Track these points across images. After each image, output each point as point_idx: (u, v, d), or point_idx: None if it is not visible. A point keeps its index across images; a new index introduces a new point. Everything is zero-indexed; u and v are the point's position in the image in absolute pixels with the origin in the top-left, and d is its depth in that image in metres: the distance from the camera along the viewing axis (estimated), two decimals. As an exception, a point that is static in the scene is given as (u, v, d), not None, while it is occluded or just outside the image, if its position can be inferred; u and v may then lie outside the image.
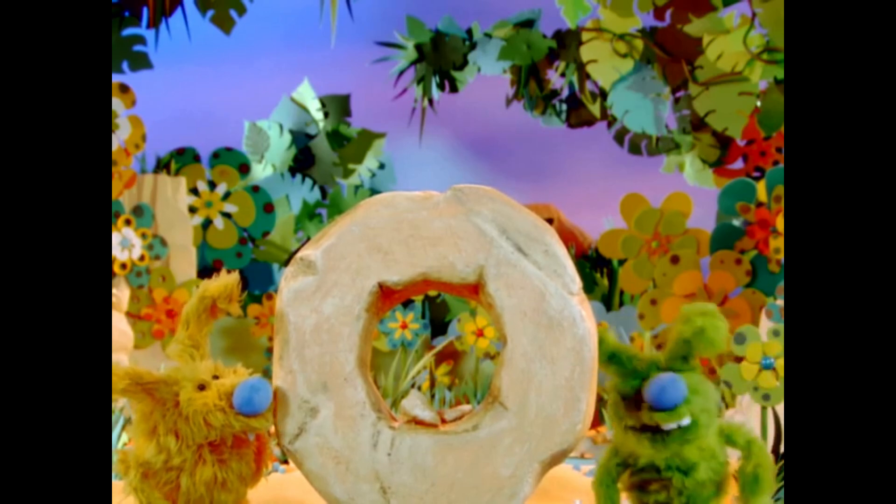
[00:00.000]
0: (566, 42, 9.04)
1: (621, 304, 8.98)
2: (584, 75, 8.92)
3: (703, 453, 3.55)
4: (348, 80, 10.62)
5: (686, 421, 3.47)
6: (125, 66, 8.33)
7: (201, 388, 3.49)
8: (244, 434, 3.52)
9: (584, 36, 8.45)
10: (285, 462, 5.43)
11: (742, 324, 6.91)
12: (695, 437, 3.51)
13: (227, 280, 3.60)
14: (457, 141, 11.38)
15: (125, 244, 7.57)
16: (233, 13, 8.58)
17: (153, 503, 3.51)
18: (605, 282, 9.25)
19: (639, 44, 8.41)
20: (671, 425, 3.46)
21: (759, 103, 8.34)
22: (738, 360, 4.73)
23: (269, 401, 3.45)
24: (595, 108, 9.15)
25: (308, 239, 7.56)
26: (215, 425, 3.46)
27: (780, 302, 5.87)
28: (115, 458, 3.62)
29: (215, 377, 3.53)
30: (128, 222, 7.60)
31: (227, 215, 8.53)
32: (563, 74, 9.17)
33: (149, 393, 3.49)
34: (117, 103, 7.41)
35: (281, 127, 10.18)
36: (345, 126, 10.37)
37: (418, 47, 9.52)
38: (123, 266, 7.56)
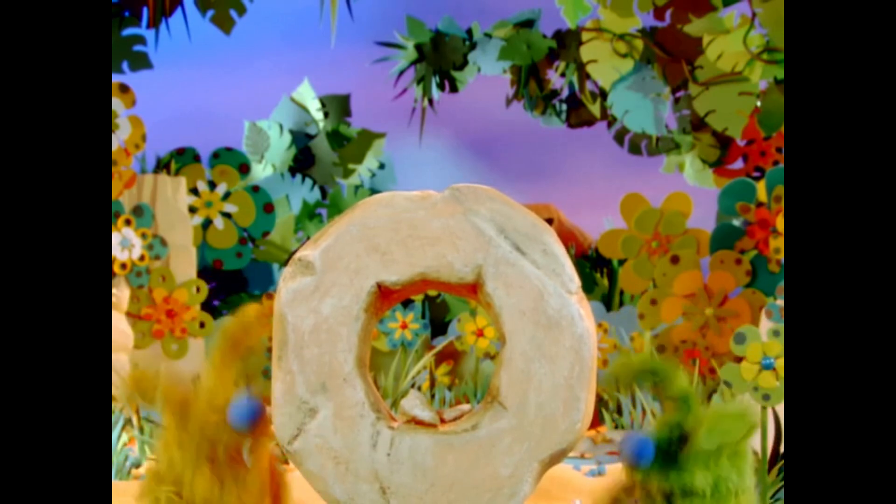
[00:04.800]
0: (566, 42, 9.05)
1: (621, 304, 8.99)
2: (584, 75, 8.92)
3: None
4: (348, 80, 10.63)
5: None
6: (125, 66, 8.33)
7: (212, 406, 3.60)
8: (237, 452, 3.57)
9: (584, 36, 8.45)
10: (285, 462, 5.43)
11: (742, 324, 6.92)
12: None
13: (248, 317, 3.66)
14: (457, 141, 11.39)
15: (125, 244, 7.57)
16: (233, 13, 8.58)
17: None
18: (605, 282, 9.26)
19: (639, 44, 8.42)
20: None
21: (759, 103, 8.34)
22: (738, 360, 4.73)
23: (257, 418, 3.54)
24: (595, 108, 9.15)
25: (308, 239, 7.57)
26: (207, 433, 3.54)
27: (780, 302, 5.86)
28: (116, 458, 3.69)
29: None
30: (128, 222, 7.60)
31: (227, 215, 8.53)
32: (563, 74, 9.18)
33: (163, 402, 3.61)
34: (117, 103, 7.41)
35: (281, 127, 10.19)
36: (345, 126, 10.38)
37: (418, 47, 9.53)
38: (123, 266, 7.57)
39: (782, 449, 4.97)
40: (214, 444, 3.55)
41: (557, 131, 9.51)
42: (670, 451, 3.52)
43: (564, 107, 9.39)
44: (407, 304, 8.37)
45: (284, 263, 9.22)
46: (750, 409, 3.54)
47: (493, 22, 9.35)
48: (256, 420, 3.55)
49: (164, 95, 10.07)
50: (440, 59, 9.47)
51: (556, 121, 9.43)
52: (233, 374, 3.71)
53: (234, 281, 9.24)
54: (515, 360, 3.45)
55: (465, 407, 3.57)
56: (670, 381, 3.58)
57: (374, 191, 10.06)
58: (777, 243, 7.68)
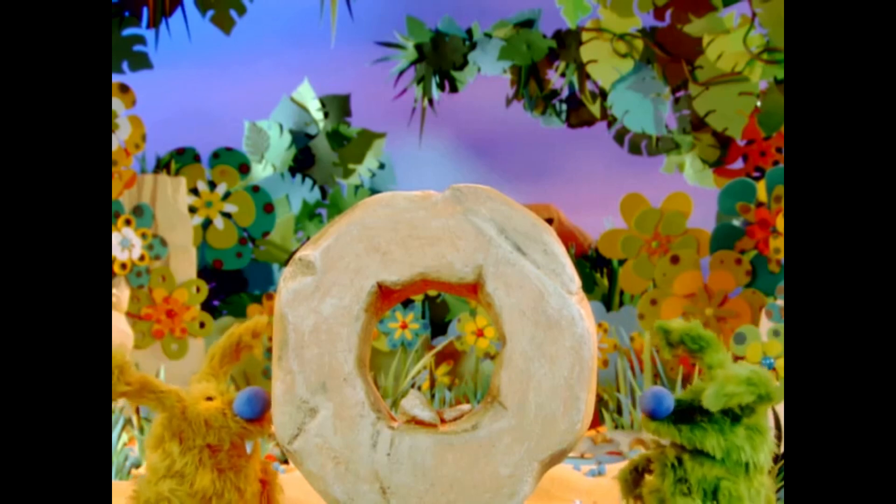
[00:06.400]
0: (566, 42, 9.05)
1: (621, 304, 8.99)
2: (584, 75, 8.92)
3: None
4: (348, 80, 10.63)
5: (665, 442, 3.54)
6: (125, 66, 8.33)
7: (209, 399, 3.63)
8: (241, 440, 3.61)
9: (584, 36, 8.46)
10: (285, 462, 5.43)
11: (742, 324, 6.92)
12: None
13: (255, 320, 3.78)
14: (457, 141, 11.39)
15: (125, 244, 7.57)
16: (233, 13, 8.58)
17: None
18: (605, 282, 9.25)
19: (639, 44, 8.42)
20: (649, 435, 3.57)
21: (759, 103, 8.34)
22: (738, 359, 4.73)
23: (264, 407, 3.58)
24: (595, 108, 9.15)
25: (308, 239, 7.58)
26: (214, 425, 3.56)
27: (780, 302, 5.86)
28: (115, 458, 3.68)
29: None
30: (128, 222, 7.60)
31: (227, 215, 8.54)
32: (563, 74, 9.18)
33: (158, 400, 3.60)
34: (117, 103, 7.41)
35: (281, 127, 10.18)
36: (345, 126, 10.38)
37: (418, 47, 9.53)
38: (123, 266, 7.57)
39: (782, 449, 4.96)
40: (220, 432, 3.58)
41: (557, 131, 9.51)
42: (688, 411, 3.54)
43: (564, 107, 9.40)
44: (407, 304, 8.37)
45: (284, 263, 9.22)
46: (760, 376, 3.54)
47: (493, 22, 9.36)
48: (262, 408, 3.58)
49: (164, 95, 10.07)
50: (440, 59, 9.47)
51: (556, 121, 9.43)
52: (227, 373, 3.76)
53: (234, 281, 9.24)
54: (515, 360, 3.45)
55: (465, 407, 3.57)
56: (710, 349, 3.60)
57: (374, 191, 10.06)
58: (777, 243, 7.68)
